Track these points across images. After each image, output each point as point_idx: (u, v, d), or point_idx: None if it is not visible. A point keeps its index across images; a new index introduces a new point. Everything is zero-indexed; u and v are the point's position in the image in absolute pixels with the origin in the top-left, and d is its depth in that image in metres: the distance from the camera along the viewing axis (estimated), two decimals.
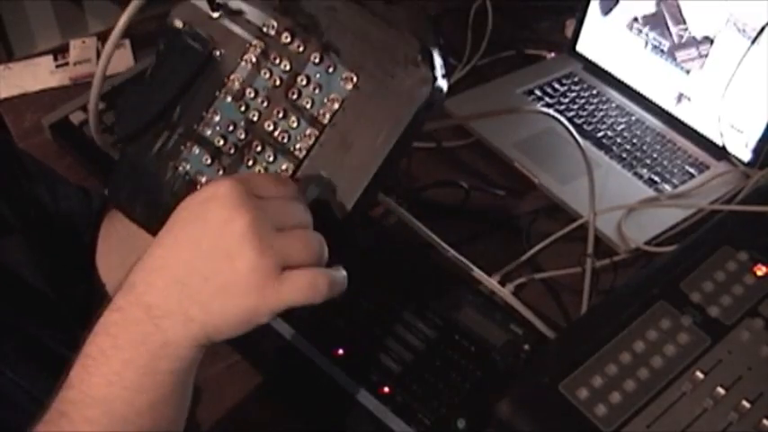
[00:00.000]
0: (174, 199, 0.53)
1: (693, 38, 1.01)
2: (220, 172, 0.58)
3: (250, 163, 0.57)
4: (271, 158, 0.57)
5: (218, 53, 0.59)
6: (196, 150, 0.59)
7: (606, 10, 1.10)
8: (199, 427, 0.71)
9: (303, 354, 0.74)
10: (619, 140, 1.04)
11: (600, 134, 1.04)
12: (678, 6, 1.02)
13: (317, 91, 0.56)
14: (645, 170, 1.00)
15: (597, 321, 0.69)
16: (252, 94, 0.58)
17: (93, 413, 0.47)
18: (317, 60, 0.56)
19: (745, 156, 0.98)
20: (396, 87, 0.53)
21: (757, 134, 0.96)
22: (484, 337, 0.75)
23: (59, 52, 1.14)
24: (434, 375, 0.72)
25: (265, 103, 0.57)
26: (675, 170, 1.00)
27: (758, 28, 0.93)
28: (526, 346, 0.74)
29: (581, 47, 1.15)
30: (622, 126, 1.06)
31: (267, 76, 0.57)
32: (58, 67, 1.12)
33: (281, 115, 0.57)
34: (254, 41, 0.58)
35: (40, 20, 1.78)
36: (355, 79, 0.55)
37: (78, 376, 0.48)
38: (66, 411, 0.47)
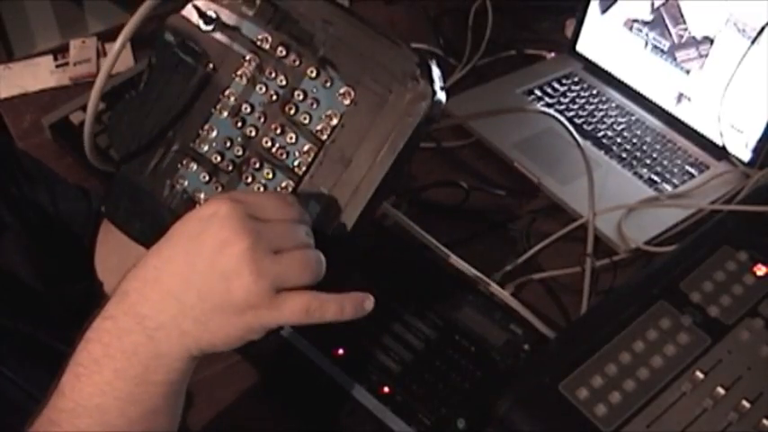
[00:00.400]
0: (173, 216, 0.52)
1: (693, 38, 1.01)
2: (219, 189, 0.57)
3: (248, 180, 0.56)
4: (270, 175, 0.56)
5: (211, 67, 0.58)
6: (193, 167, 0.58)
7: (604, 8, 1.10)
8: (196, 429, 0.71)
9: (303, 353, 0.74)
10: (619, 140, 1.04)
11: (600, 134, 1.04)
12: (678, 6, 1.02)
13: (314, 106, 0.55)
14: (645, 170, 0.99)
15: (597, 321, 0.69)
16: (248, 110, 0.57)
17: (84, 423, 0.47)
18: (313, 74, 0.55)
19: (745, 156, 0.98)
20: (394, 102, 0.53)
21: (757, 134, 0.96)
22: (484, 337, 0.75)
23: (59, 52, 1.14)
24: (434, 375, 0.72)
25: (262, 119, 0.56)
26: (675, 170, 1.00)
27: (758, 28, 0.93)
28: (526, 346, 0.74)
29: (581, 47, 1.15)
30: (622, 126, 1.06)
31: (263, 90, 0.56)
32: (57, 67, 1.12)
33: (278, 131, 0.56)
34: (249, 55, 0.57)
35: (40, 20, 1.79)
36: (353, 94, 0.54)
37: (70, 384, 0.48)
38: (57, 420, 0.47)
